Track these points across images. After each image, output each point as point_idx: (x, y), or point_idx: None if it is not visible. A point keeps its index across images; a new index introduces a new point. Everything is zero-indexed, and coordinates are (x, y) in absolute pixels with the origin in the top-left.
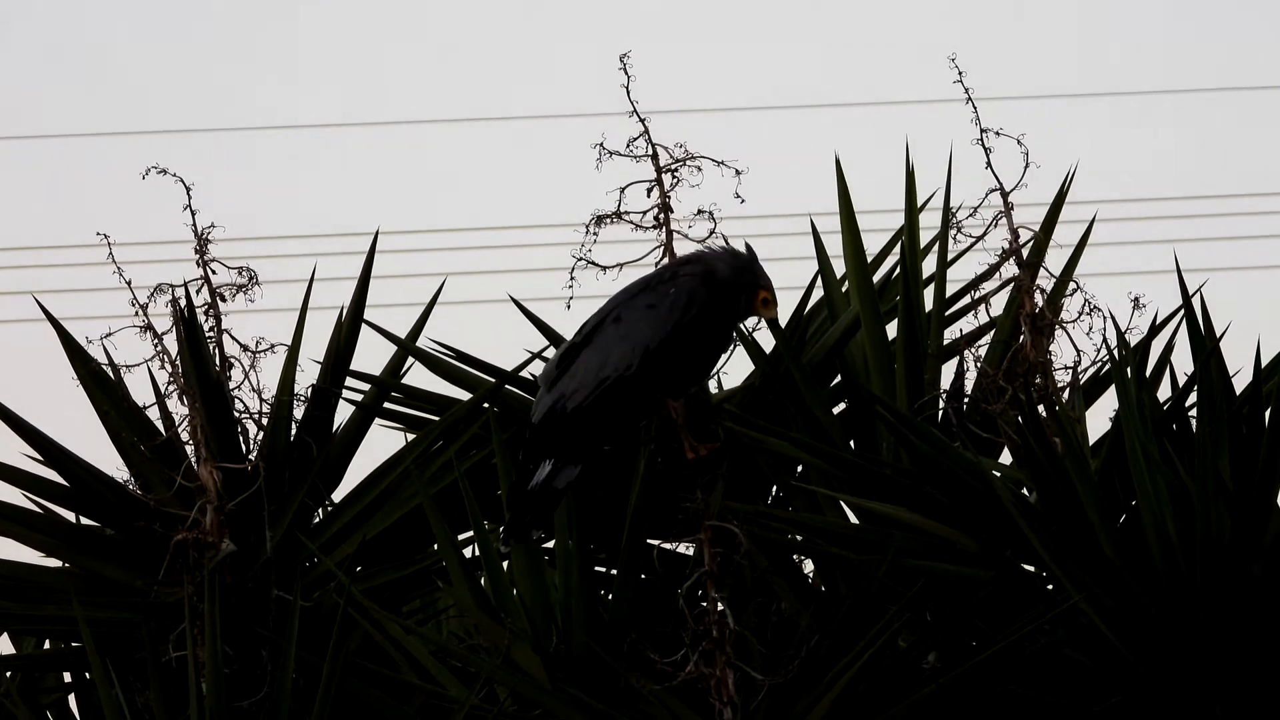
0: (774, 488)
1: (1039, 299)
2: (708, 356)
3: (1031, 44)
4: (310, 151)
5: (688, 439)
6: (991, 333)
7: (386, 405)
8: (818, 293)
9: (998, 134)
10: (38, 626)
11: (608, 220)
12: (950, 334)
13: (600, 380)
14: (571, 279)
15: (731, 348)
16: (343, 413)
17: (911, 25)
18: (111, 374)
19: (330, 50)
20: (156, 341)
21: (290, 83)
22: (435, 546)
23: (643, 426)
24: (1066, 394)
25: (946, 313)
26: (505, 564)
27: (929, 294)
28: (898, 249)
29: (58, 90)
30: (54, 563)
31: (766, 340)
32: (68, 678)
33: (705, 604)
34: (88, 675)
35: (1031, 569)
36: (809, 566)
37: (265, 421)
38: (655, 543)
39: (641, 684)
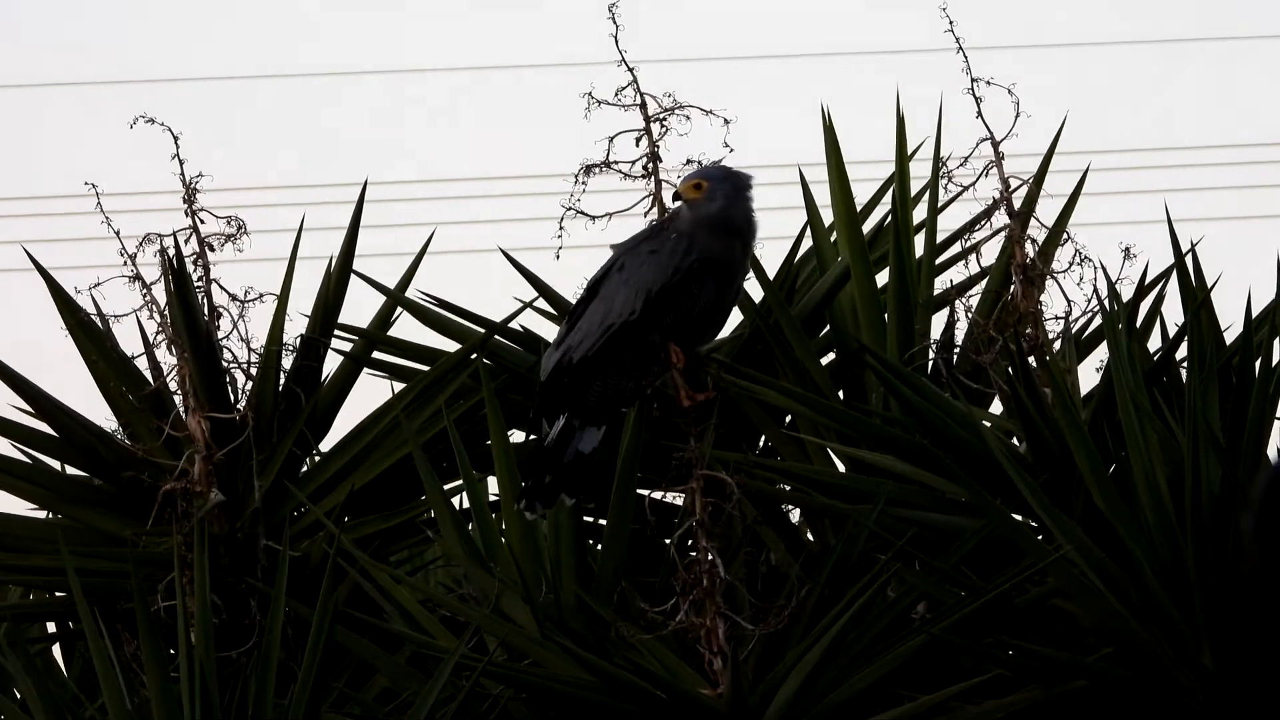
0: (763, 437)
1: (1030, 249)
2: (713, 303)
3: None
4: (299, 101)
5: (684, 387)
6: (983, 283)
7: (375, 355)
8: (807, 243)
9: (988, 84)
10: (26, 577)
11: (596, 170)
12: (940, 284)
13: (606, 328)
14: (561, 229)
15: (736, 296)
16: (331, 364)
17: None
18: (100, 324)
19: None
20: (145, 291)
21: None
22: (424, 497)
23: (653, 376)
24: (1057, 344)
25: (937, 261)
26: (494, 514)
27: (919, 243)
28: (887, 198)
29: (45, 39)
30: (42, 513)
31: (756, 291)
32: (53, 628)
33: (695, 553)
34: (73, 625)
35: (1021, 519)
36: (796, 516)
37: (254, 371)
38: (644, 492)
39: (632, 634)
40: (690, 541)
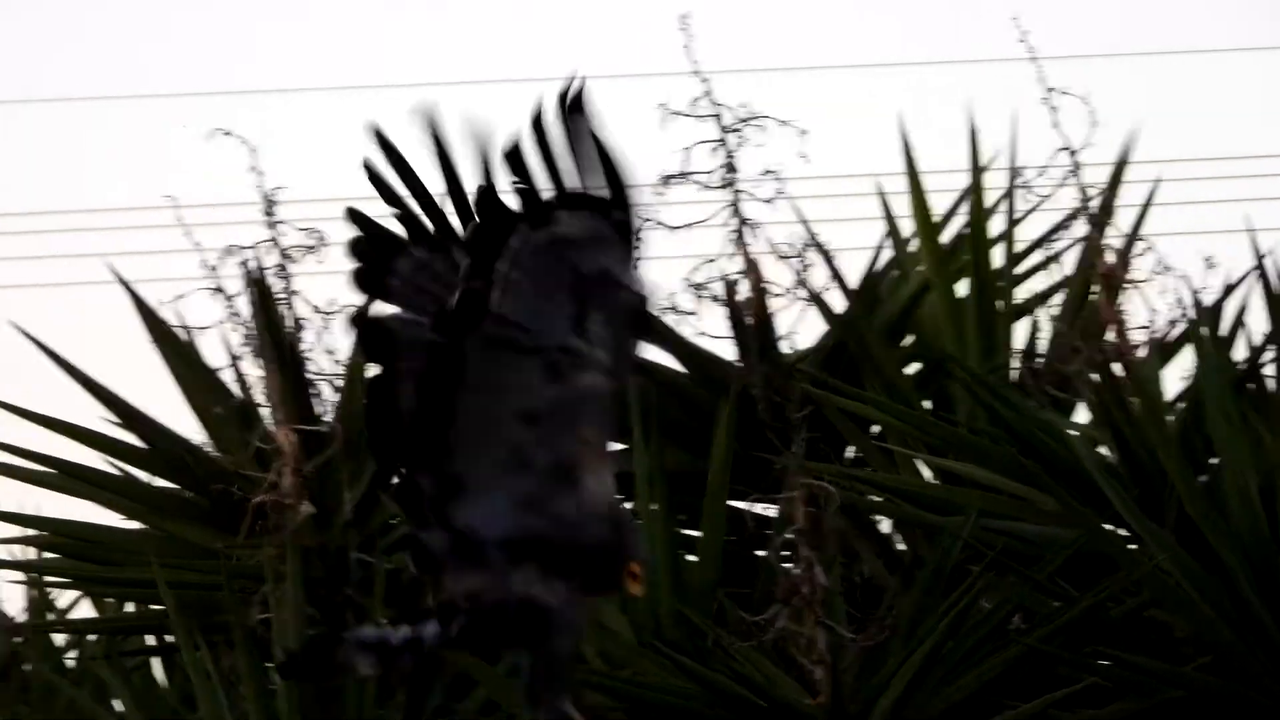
0: (850, 448)
1: (1111, 258)
2: None
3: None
4: (378, 113)
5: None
6: (1063, 292)
7: None
8: (886, 253)
9: (1063, 93)
10: (119, 589)
11: (673, 181)
12: (1020, 294)
13: None
14: (639, 240)
15: None
16: None
17: None
18: (184, 336)
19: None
20: (228, 303)
21: (357, 44)
22: None
23: None
24: (1141, 353)
25: (1016, 271)
26: None
27: (997, 254)
28: (964, 208)
29: (122, 52)
30: (134, 525)
31: (839, 302)
32: (151, 640)
33: (794, 562)
34: (170, 639)
35: (1112, 529)
36: (885, 526)
37: (340, 383)
38: (733, 504)
39: (730, 643)
40: (787, 551)
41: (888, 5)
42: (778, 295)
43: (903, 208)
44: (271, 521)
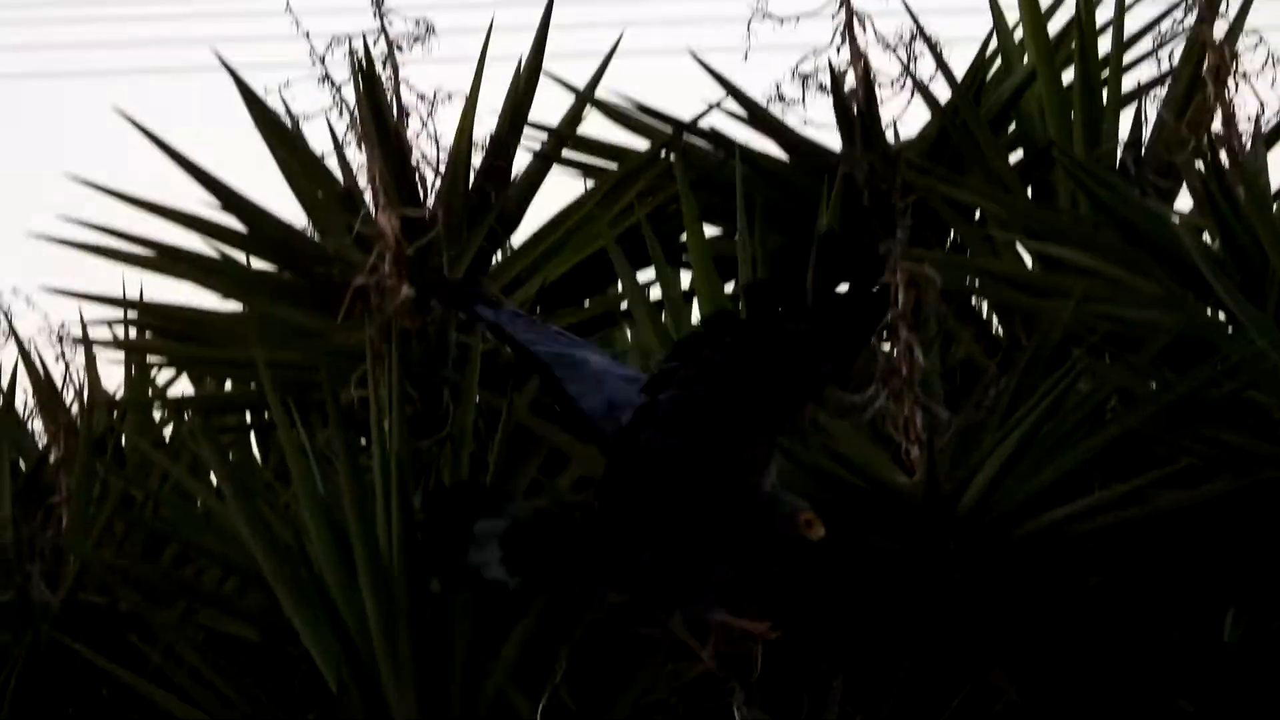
0: (952, 232)
1: (1220, 50)
2: None
3: None
4: None
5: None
6: (1169, 82)
7: (564, 154)
8: (993, 44)
9: None
10: (218, 369)
11: None
12: (1127, 83)
13: None
14: (749, 30)
15: None
16: (520, 164)
17: None
18: (289, 123)
19: None
20: (335, 92)
21: None
22: (613, 289)
23: None
24: (1248, 145)
25: (1123, 59)
26: (690, 304)
27: (1105, 43)
28: None
29: None
30: (234, 307)
31: (943, 92)
32: (248, 418)
33: (893, 344)
34: (267, 415)
35: (1214, 315)
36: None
37: (443, 169)
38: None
39: (827, 422)
40: (887, 334)
41: None
42: (884, 85)
43: None
44: (372, 304)
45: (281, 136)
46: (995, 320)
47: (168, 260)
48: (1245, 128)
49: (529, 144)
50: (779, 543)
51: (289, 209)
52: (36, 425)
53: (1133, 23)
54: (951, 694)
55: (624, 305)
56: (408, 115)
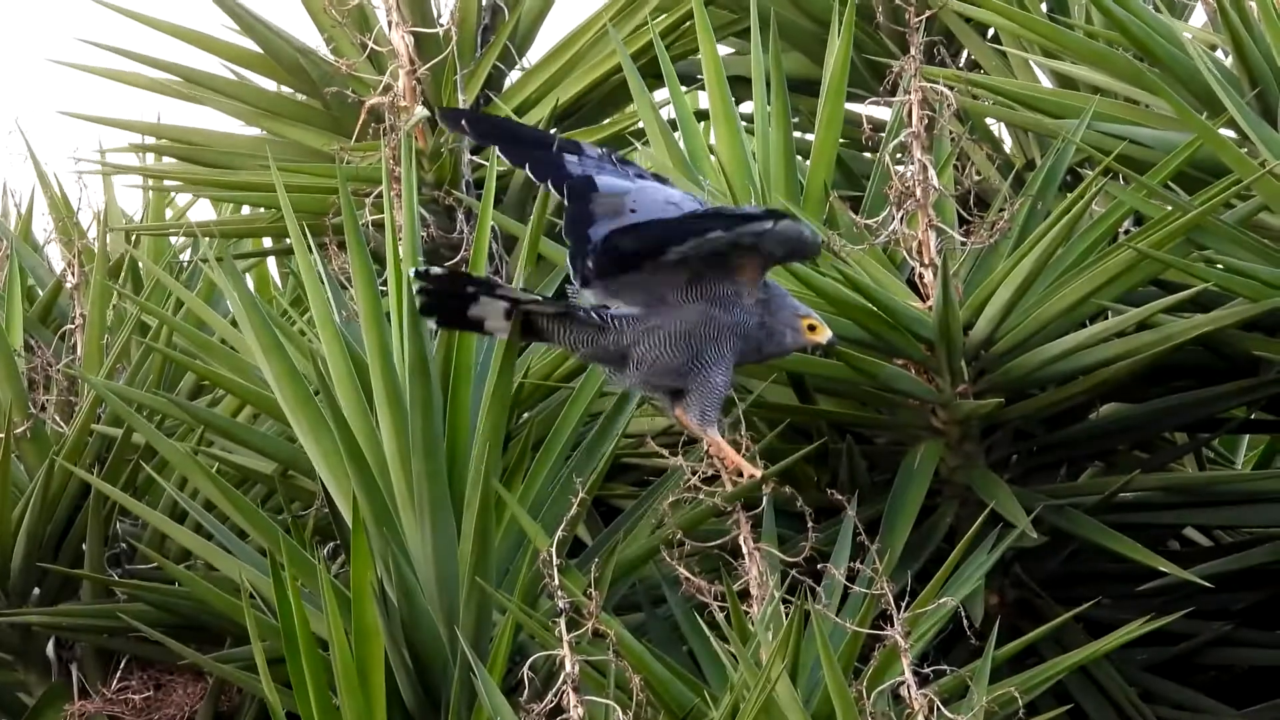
0: (965, 51)
1: None
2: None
3: None
4: None
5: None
6: None
7: None
8: None
9: None
10: (235, 192)
11: None
12: None
13: None
14: None
15: None
16: None
17: None
18: None
19: None
20: None
21: None
22: (630, 109)
23: None
24: None
25: None
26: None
27: None
28: None
29: None
30: (249, 130)
31: None
32: (268, 243)
33: (907, 165)
34: (286, 240)
35: (1228, 134)
36: (1000, 131)
37: None
38: (849, 107)
39: (841, 245)
40: (901, 155)
41: None
42: None
43: None
44: (387, 124)
45: None
46: (1012, 141)
47: (185, 84)
48: None
49: None
50: (787, 353)
51: (303, 28)
52: (53, 251)
53: None
54: (962, 522)
55: (639, 124)
56: None
